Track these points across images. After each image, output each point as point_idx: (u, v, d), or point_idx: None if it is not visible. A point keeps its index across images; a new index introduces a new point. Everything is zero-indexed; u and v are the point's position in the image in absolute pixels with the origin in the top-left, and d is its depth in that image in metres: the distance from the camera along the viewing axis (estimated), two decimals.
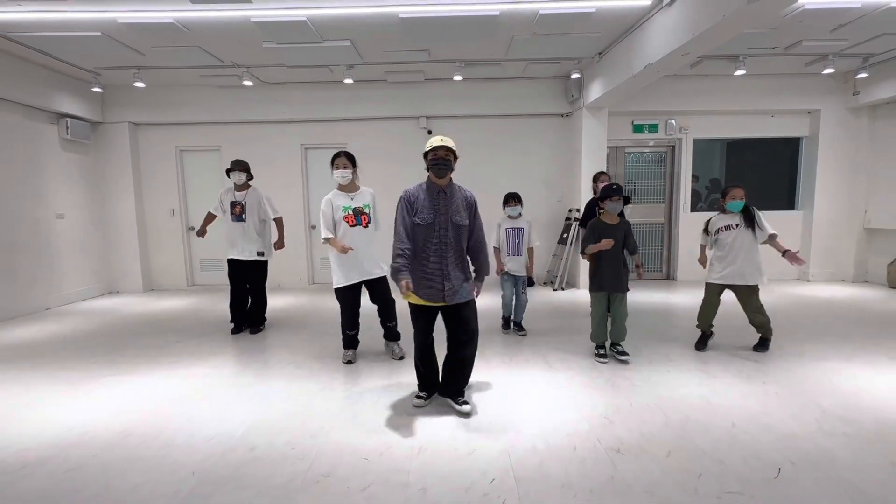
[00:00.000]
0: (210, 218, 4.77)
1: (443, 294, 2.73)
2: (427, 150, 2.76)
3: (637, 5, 4.44)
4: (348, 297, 3.67)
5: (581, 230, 4.91)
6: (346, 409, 2.92)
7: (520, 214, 4.33)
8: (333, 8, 4.43)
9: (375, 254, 3.69)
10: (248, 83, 6.24)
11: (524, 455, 2.33)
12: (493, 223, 4.41)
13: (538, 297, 6.21)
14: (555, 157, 7.17)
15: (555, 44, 5.36)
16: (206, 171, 7.19)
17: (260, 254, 4.60)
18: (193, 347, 4.26)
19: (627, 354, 3.66)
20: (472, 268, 2.91)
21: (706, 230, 3.91)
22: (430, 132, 6.91)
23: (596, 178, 4.98)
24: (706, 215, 3.96)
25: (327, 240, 3.52)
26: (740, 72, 5.85)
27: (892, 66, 6.02)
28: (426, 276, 2.73)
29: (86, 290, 6.69)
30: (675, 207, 7.28)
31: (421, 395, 2.97)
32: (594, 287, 3.70)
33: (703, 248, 4.04)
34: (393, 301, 3.81)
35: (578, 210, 6.62)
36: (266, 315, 4.88)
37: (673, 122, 6.99)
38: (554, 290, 6.69)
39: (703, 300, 3.88)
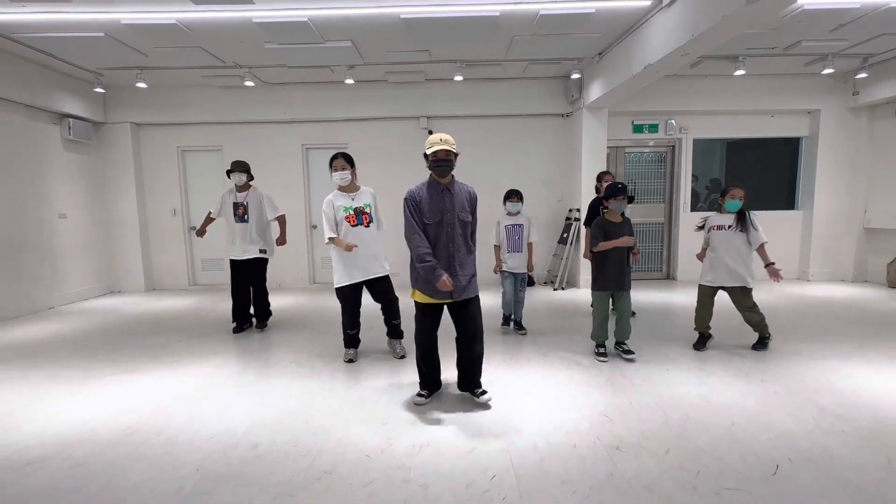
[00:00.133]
0: (209, 219, 4.79)
1: (451, 290, 2.75)
2: (427, 152, 2.77)
3: (637, 6, 4.46)
4: (349, 296, 3.69)
5: (587, 230, 4.91)
6: (348, 407, 2.94)
7: (519, 211, 4.36)
8: (335, 9, 4.46)
9: (378, 253, 3.71)
10: (249, 83, 6.28)
11: (524, 453, 2.35)
12: (492, 221, 4.44)
13: (538, 296, 6.23)
14: (555, 157, 7.19)
15: (555, 44, 5.38)
16: (208, 171, 7.22)
17: (262, 251, 4.62)
18: (195, 347, 4.29)
19: (633, 353, 3.67)
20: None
21: (703, 227, 3.94)
22: (430, 132, 6.91)
23: (600, 178, 4.96)
24: (706, 215, 3.97)
25: (331, 240, 3.54)
26: (740, 72, 5.86)
27: (892, 66, 6.04)
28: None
29: (88, 289, 6.72)
30: (675, 207, 7.29)
31: (422, 393, 2.99)
32: (598, 286, 3.70)
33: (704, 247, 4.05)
34: (396, 299, 3.83)
35: (578, 210, 6.64)
36: (271, 309, 4.91)
37: (673, 122, 7.01)
38: (554, 289, 6.70)
39: (697, 302, 3.92)
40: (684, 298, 5.91)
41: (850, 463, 2.21)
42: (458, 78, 6.25)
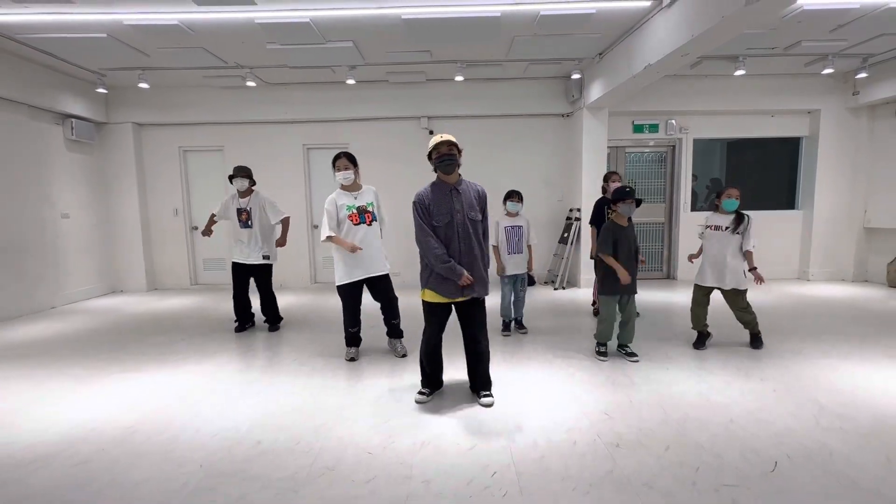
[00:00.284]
0: (212, 220, 4.80)
1: (462, 290, 2.77)
2: (430, 149, 2.78)
3: (637, 6, 4.48)
4: (350, 294, 3.71)
5: (592, 229, 4.91)
6: (350, 404, 2.96)
7: (519, 212, 4.37)
8: (336, 9, 4.48)
9: (379, 251, 3.73)
10: (251, 84, 6.30)
11: (525, 450, 2.37)
12: (491, 222, 4.45)
13: (539, 296, 6.25)
14: (555, 157, 7.20)
15: (555, 44, 5.40)
16: (210, 171, 7.25)
17: (265, 257, 4.65)
18: (198, 345, 4.31)
19: (636, 356, 3.68)
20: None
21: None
22: (431, 132, 6.95)
23: (607, 178, 4.91)
24: (706, 215, 4.00)
25: (329, 238, 3.55)
26: (740, 72, 5.88)
27: (892, 66, 6.05)
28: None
29: (90, 289, 6.75)
30: (675, 207, 7.31)
31: (424, 391, 3.01)
32: (608, 290, 3.66)
33: (701, 246, 4.07)
34: (396, 298, 3.85)
35: (579, 210, 6.66)
36: (282, 314, 4.96)
37: (673, 122, 7.03)
38: (555, 289, 6.72)
39: (692, 301, 3.95)
40: (684, 298, 5.92)
41: (848, 460, 2.23)
42: (459, 78, 6.27)
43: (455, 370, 3.34)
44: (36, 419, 2.85)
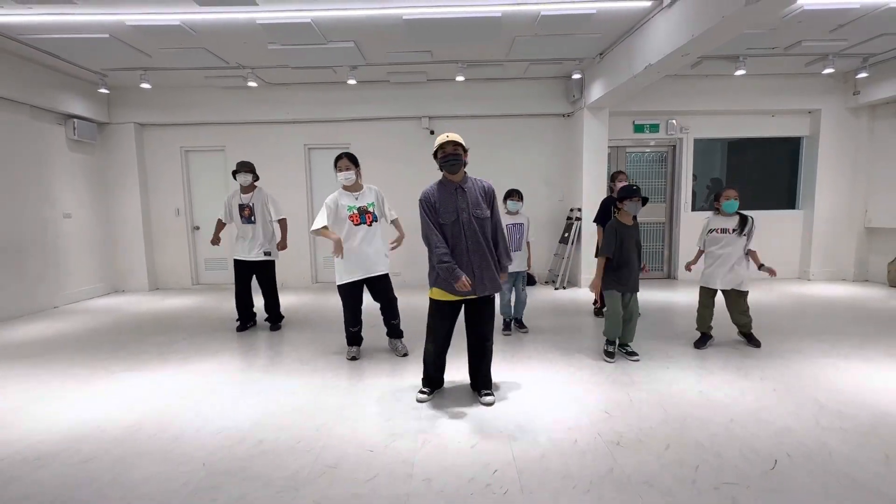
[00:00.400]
0: (220, 225, 4.81)
1: (474, 288, 2.77)
2: (436, 148, 2.78)
3: (637, 6, 4.49)
4: (351, 293, 3.73)
5: (599, 228, 4.91)
6: (351, 403, 2.97)
7: (519, 210, 4.39)
8: (338, 10, 4.49)
9: (380, 252, 3.74)
10: (252, 84, 6.32)
11: (526, 448, 2.38)
12: None
13: (540, 295, 6.26)
14: (556, 156, 7.21)
15: (556, 44, 5.41)
16: (211, 171, 7.28)
17: (267, 254, 4.66)
18: (200, 345, 4.33)
19: (637, 355, 3.68)
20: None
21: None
22: (432, 132, 6.96)
23: (614, 178, 4.91)
24: (707, 215, 4.01)
25: (319, 231, 3.51)
26: (740, 72, 5.89)
27: (892, 66, 6.05)
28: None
29: (92, 288, 6.77)
30: (675, 207, 7.32)
31: (425, 390, 3.01)
32: (610, 287, 3.64)
33: (699, 252, 4.09)
34: (395, 299, 3.86)
35: (580, 209, 6.67)
36: (283, 312, 4.97)
37: (674, 121, 7.03)
38: (556, 288, 6.73)
39: (699, 304, 3.96)
40: (685, 298, 5.94)
41: (848, 458, 2.24)
42: (460, 78, 6.28)
43: (455, 370, 3.34)
44: (38, 418, 2.86)
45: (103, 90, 6.30)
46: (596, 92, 6.06)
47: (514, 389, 3.15)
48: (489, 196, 2.87)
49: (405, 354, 3.86)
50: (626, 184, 3.84)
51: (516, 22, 4.80)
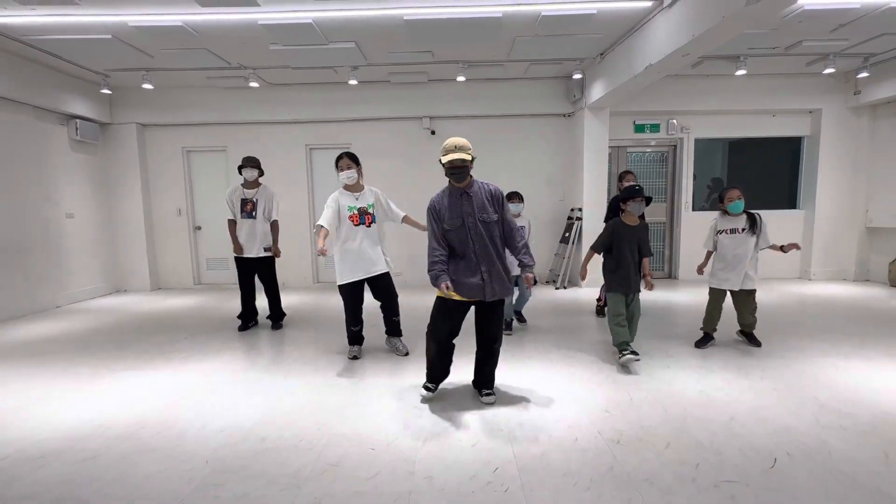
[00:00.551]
0: (234, 226, 4.68)
1: (483, 291, 2.77)
2: (442, 160, 2.77)
3: (638, 6, 4.50)
4: (351, 293, 3.74)
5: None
6: (353, 402, 2.99)
7: (520, 213, 4.40)
8: (339, 10, 4.51)
9: (379, 252, 3.76)
10: (254, 84, 6.34)
11: (526, 446, 2.39)
12: None
13: (540, 295, 6.27)
14: (557, 156, 7.22)
15: (557, 45, 5.42)
16: (213, 171, 7.29)
17: (267, 249, 4.68)
18: (202, 344, 4.34)
19: (637, 354, 3.62)
20: (509, 261, 2.98)
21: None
22: (433, 132, 6.97)
23: (621, 177, 4.90)
24: (707, 214, 4.01)
25: (319, 228, 3.51)
26: (741, 72, 5.89)
27: (893, 66, 6.05)
28: (467, 276, 2.78)
29: (94, 288, 6.79)
30: (676, 207, 7.32)
31: (429, 385, 3.01)
32: (610, 288, 3.66)
33: (708, 254, 4.06)
34: (397, 295, 3.88)
35: (580, 209, 6.68)
36: (284, 310, 4.98)
37: (674, 121, 7.04)
38: (556, 288, 6.74)
39: (709, 304, 3.94)
40: (686, 297, 5.95)
41: (847, 457, 2.25)
42: (461, 78, 6.29)
43: (455, 368, 3.34)
44: (42, 416, 2.88)
45: (105, 91, 6.32)
46: (597, 92, 6.07)
47: (514, 388, 3.16)
48: (496, 200, 2.86)
49: (406, 354, 3.87)
50: (631, 184, 3.85)
51: (517, 22, 4.81)
